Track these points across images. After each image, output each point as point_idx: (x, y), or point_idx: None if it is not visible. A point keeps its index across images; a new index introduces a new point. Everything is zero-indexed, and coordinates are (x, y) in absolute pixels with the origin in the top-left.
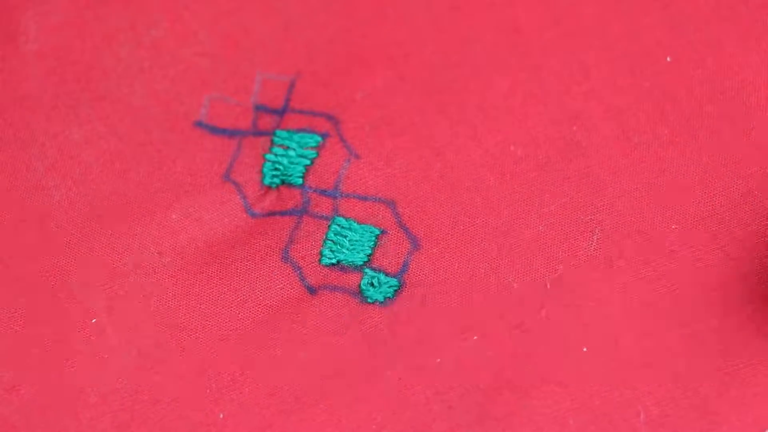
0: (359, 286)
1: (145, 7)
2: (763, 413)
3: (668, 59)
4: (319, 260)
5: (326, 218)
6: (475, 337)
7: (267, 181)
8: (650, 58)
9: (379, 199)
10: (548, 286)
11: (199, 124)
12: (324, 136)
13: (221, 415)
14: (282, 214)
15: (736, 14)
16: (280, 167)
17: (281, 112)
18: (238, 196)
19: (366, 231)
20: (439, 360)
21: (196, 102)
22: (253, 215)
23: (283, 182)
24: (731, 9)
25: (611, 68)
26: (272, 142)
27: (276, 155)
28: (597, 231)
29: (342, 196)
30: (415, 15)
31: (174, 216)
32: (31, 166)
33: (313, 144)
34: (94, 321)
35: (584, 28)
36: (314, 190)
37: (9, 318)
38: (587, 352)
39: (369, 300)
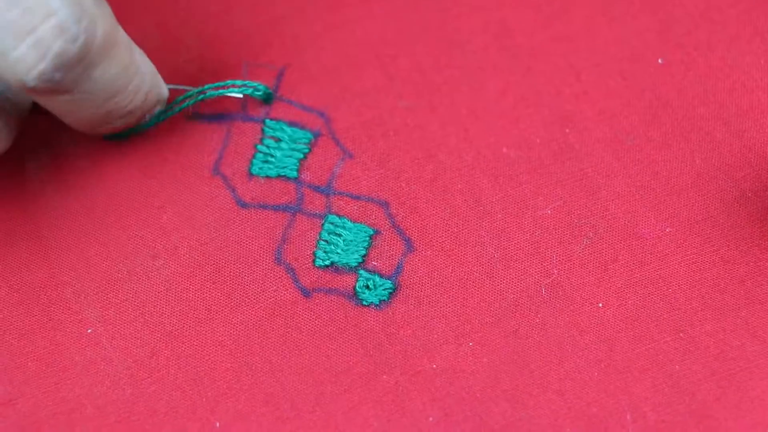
0: (354, 288)
1: (132, 18)
2: (760, 417)
3: (660, 61)
4: (313, 262)
5: (319, 216)
6: (471, 343)
7: (255, 170)
8: (641, 60)
9: (372, 199)
10: (543, 292)
11: (189, 117)
12: (316, 134)
13: (218, 424)
14: (275, 208)
15: (726, 16)
16: (273, 159)
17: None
18: (228, 190)
19: (360, 230)
20: (435, 366)
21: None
22: (244, 206)
23: (278, 175)
24: (721, 11)
25: (602, 71)
26: (263, 132)
27: (268, 147)
28: (590, 233)
29: (335, 193)
30: (402, 15)
31: (165, 216)
32: (25, 174)
33: (305, 141)
34: (89, 331)
35: (574, 32)
36: (308, 186)
37: (3, 331)
38: (583, 358)
39: (364, 302)
